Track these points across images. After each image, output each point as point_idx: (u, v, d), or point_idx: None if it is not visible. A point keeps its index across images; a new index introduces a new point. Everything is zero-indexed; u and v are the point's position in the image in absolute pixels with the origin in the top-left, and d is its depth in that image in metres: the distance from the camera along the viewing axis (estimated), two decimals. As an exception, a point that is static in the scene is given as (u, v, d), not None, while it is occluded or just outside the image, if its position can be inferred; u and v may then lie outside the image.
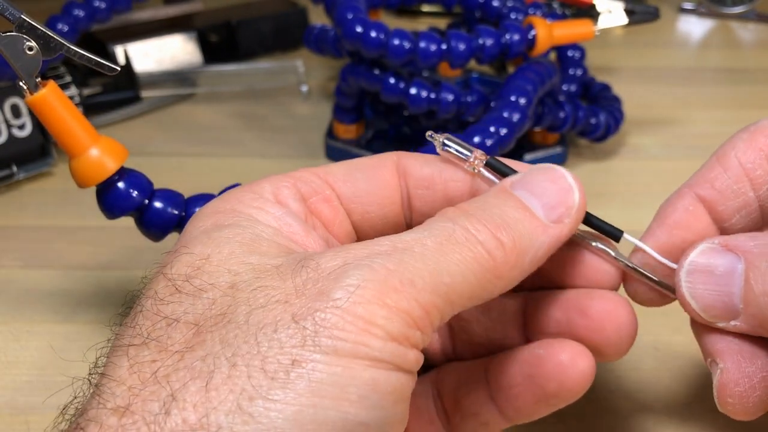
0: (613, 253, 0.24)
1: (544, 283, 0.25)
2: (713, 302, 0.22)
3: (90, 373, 0.20)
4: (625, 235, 0.24)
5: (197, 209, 0.24)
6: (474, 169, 0.24)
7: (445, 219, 0.21)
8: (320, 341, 0.18)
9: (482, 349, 0.26)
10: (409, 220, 0.26)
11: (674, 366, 0.32)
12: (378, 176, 0.25)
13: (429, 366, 0.26)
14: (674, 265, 0.23)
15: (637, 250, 0.25)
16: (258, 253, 0.21)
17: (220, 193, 0.31)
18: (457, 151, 0.24)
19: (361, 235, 0.26)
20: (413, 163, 0.25)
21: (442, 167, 0.25)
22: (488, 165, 0.24)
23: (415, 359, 0.19)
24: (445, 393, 0.25)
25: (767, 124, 0.24)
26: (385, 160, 0.25)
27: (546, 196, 0.22)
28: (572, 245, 0.24)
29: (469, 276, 0.20)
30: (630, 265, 0.24)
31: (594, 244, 0.24)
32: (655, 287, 0.24)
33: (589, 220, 0.24)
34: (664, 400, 0.30)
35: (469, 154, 0.24)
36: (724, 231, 0.24)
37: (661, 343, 0.33)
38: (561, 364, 0.23)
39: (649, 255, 0.24)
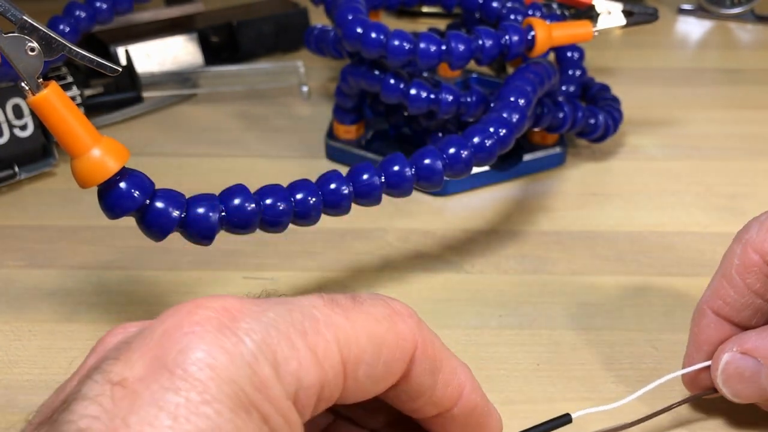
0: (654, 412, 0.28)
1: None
2: (751, 394, 0.28)
3: None
4: (658, 382, 0.28)
5: None
6: None
7: None
8: None
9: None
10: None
11: (674, 366, 0.32)
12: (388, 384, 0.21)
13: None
14: (707, 363, 0.29)
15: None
16: None
17: (222, 191, 0.31)
18: None
19: None
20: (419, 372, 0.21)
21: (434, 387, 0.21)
22: None
23: None
24: None
25: (753, 235, 0.27)
26: (407, 351, 0.20)
27: None
28: None
29: None
30: (669, 407, 0.29)
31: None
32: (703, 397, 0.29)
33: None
34: (664, 400, 0.30)
35: None
36: (748, 329, 0.28)
37: (661, 342, 0.33)
38: None
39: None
